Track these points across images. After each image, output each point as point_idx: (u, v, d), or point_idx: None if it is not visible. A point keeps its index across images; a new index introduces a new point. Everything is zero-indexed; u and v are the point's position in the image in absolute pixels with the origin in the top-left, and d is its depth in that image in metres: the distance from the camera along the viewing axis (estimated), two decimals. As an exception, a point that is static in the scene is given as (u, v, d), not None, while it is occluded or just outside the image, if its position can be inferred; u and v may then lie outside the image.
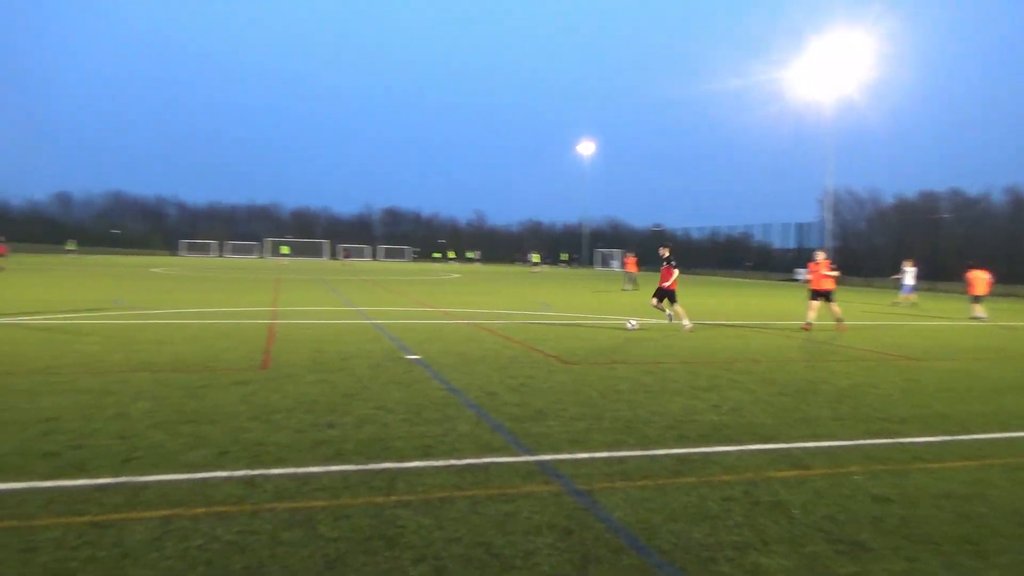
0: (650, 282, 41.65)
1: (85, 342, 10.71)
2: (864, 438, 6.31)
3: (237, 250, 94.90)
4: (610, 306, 22.22)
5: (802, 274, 17.16)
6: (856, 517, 4.37)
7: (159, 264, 53.69)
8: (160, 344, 10.70)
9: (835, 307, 16.08)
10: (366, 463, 5.11)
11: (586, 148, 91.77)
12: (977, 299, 21.15)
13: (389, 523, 4.04)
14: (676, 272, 15.18)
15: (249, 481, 4.66)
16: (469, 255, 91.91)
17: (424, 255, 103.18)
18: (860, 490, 4.87)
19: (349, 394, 7.43)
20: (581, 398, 7.59)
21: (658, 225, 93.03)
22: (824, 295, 15.99)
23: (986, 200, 67.63)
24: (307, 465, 5.02)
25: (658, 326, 15.44)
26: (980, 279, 21.37)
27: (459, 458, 5.29)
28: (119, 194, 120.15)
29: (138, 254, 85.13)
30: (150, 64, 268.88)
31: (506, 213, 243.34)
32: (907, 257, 28.09)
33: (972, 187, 78.15)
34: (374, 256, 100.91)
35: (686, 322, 14.86)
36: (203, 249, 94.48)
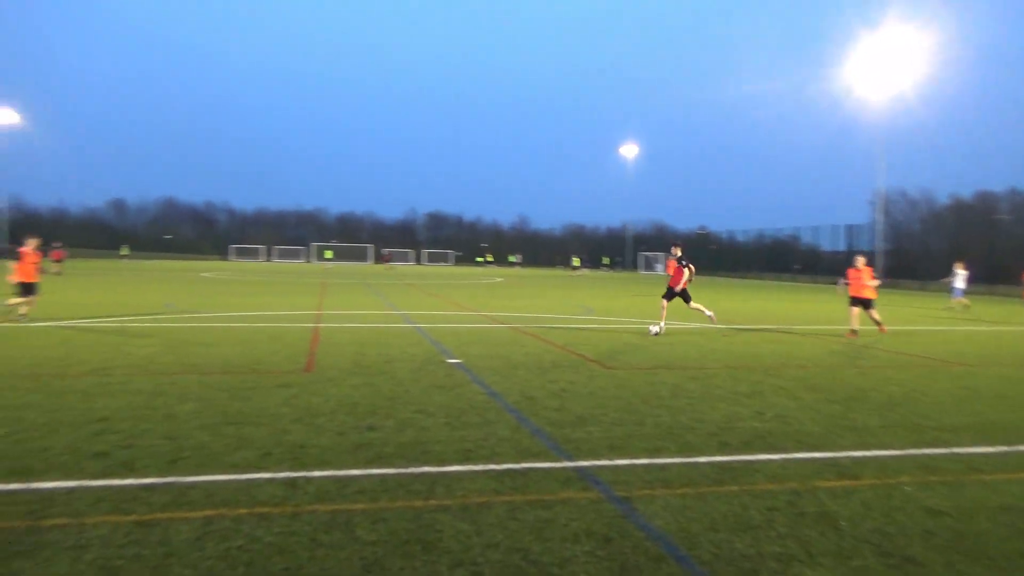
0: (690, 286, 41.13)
1: (138, 344, 11.02)
2: (916, 447, 6.11)
3: (284, 254, 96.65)
4: (653, 310, 21.95)
5: (841, 283, 16.07)
6: (907, 530, 4.22)
7: (209, 268, 55.01)
8: (209, 347, 10.95)
9: (874, 313, 14.91)
10: (406, 467, 5.14)
11: (630, 150, 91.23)
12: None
13: (427, 527, 4.05)
14: (687, 272, 14.80)
15: (291, 483, 4.72)
16: (511, 259, 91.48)
17: (466, 259, 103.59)
18: (911, 502, 4.71)
19: (390, 397, 7.49)
20: (622, 403, 7.52)
21: (703, 227, 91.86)
22: (864, 303, 14.89)
23: (1047, 200, 65.04)
24: (347, 468, 5.07)
25: (700, 329, 15.22)
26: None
27: (498, 463, 5.28)
28: (171, 200, 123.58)
29: (189, 259, 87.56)
30: (203, 78, 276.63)
31: (549, 217, 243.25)
32: (959, 259, 27.25)
33: (1033, 187, 75.19)
34: (417, 260, 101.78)
35: (659, 324, 14.31)
36: (251, 254, 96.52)
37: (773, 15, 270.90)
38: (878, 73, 48.29)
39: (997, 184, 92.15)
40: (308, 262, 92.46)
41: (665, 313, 14.83)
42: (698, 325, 16.13)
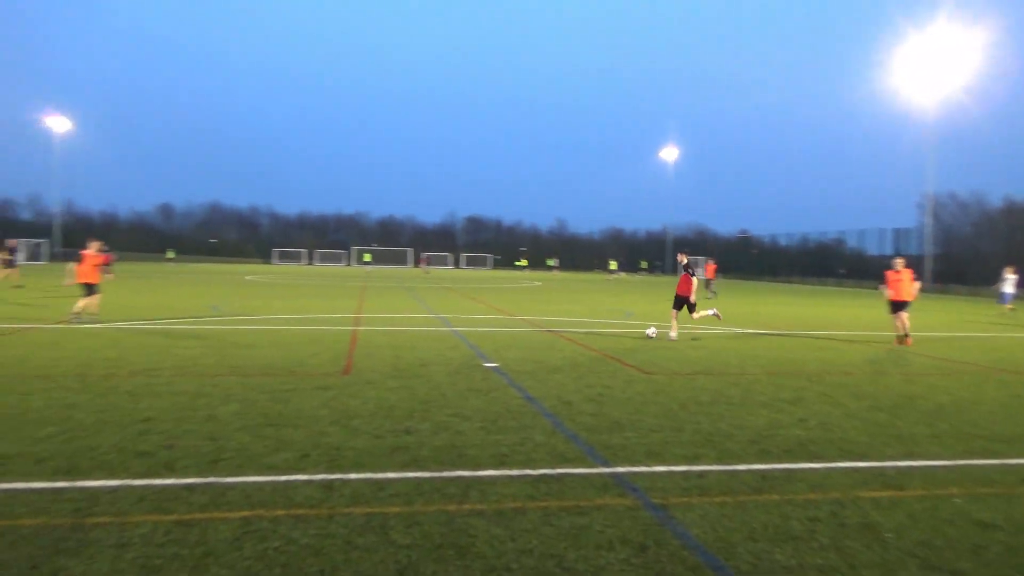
0: (728, 290, 40.68)
1: (183, 346, 11.26)
2: (965, 458, 5.91)
3: (325, 258, 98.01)
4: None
5: (883, 290, 15.35)
6: (955, 543, 4.08)
7: (253, 272, 56.04)
8: (251, 348, 11.14)
9: (905, 316, 14.32)
10: (441, 470, 5.14)
11: (670, 153, 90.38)
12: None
13: (461, 532, 4.04)
14: (695, 280, 14.48)
15: (327, 485, 4.76)
16: (548, 263, 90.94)
17: (505, 263, 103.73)
18: (960, 514, 4.55)
19: (427, 401, 7.52)
20: (660, 409, 7.43)
21: (744, 231, 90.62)
22: (902, 306, 14.36)
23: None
24: (383, 471, 5.09)
25: (728, 333, 14.97)
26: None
27: (533, 468, 5.25)
28: (216, 205, 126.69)
29: (233, 262, 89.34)
30: (248, 87, 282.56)
31: (588, 221, 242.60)
32: (1010, 264, 26.41)
33: (1091, 188, 72.43)
34: (456, 264, 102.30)
35: (670, 331, 14.15)
36: (294, 257, 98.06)
37: (818, 15, 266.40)
38: (926, 73, 47.06)
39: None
40: (349, 265, 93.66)
41: (676, 323, 14.41)
42: (726, 329, 15.86)
